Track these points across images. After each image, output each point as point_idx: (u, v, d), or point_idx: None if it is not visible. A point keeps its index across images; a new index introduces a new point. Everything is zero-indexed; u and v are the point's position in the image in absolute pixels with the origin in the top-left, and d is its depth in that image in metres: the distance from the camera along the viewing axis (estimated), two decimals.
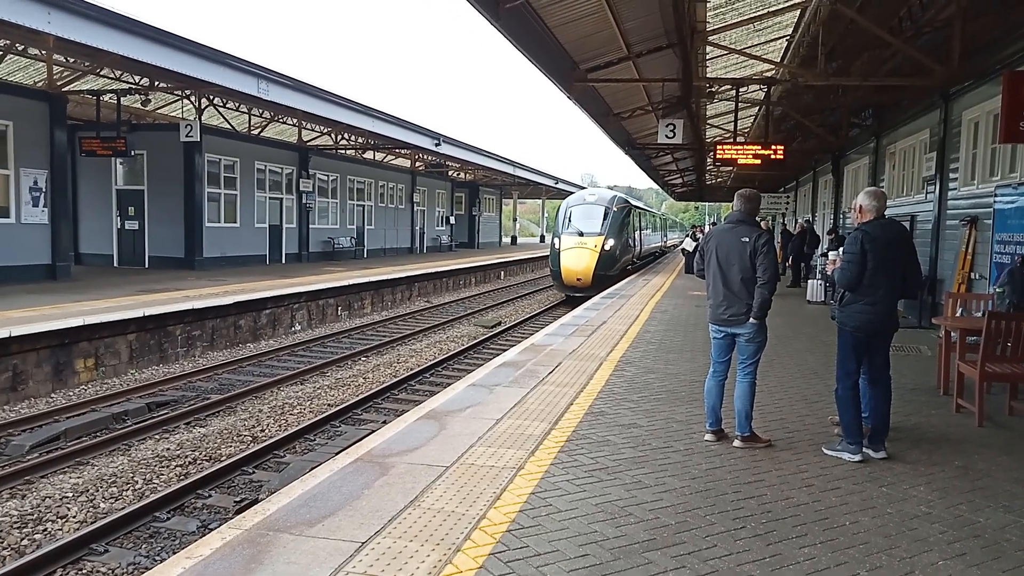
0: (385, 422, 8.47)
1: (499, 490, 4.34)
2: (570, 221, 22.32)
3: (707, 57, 15.99)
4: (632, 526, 3.88)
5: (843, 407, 5.21)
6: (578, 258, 21.03)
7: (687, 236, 31.72)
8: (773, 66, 15.19)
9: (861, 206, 5.22)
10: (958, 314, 7.74)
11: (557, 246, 21.72)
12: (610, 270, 21.69)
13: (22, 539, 5.68)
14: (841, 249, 5.41)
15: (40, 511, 6.17)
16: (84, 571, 5.20)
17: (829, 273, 5.42)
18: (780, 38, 15.17)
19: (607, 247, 21.42)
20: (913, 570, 3.46)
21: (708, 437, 5.51)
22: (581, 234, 21.50)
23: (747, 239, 5.32)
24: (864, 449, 5.15)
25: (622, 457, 5.05)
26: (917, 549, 3.69)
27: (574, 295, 20.80)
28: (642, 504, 4.19)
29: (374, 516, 3.91)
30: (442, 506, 4.08)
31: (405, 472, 4.63)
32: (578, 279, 20.91)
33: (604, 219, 22.02)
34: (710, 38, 13.49)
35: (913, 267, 5.24)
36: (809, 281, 17.19)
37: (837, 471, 4.89)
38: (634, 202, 29.56)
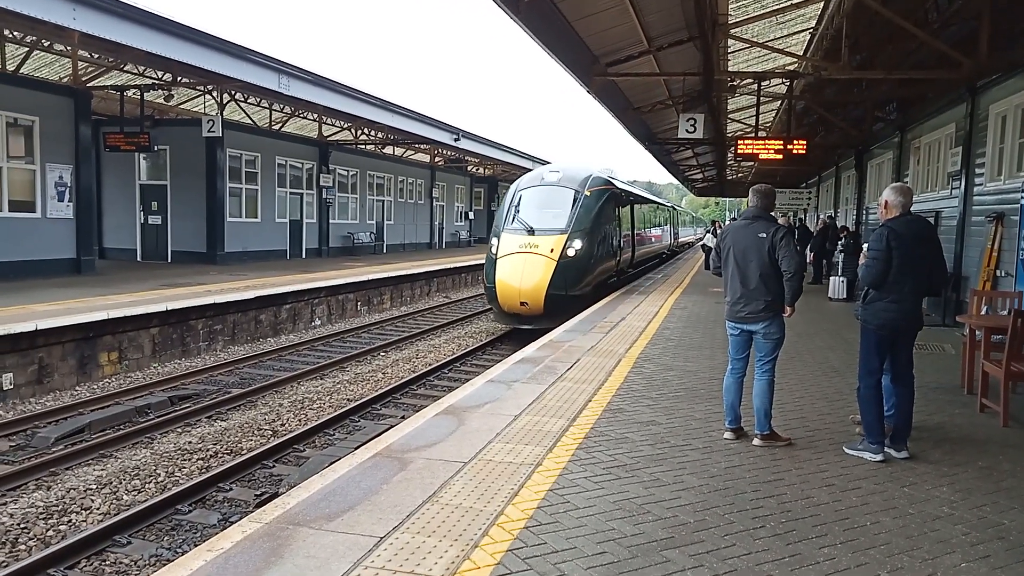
0: (404, 417, 8.51)
1: (517, 486, 4.34)
2: (518, 212, 14.88)
3: (729, 50, 15.87)
4: (650, 524, 3.87)
5: (865, 406, 5.15)
6: (523, 270, 13.73)
7: (708, 232, 31.32)
8: (796, 59, 15.03)
9: (887, 202, 5.14)
10: (983, 312, 7.62)
11: (494, 250, 14.45)
12: (576, 287, 14.12)
13: (47, 530, 5.77)
14: (867, 246, 5.32)
15: (65, 502, 6.26)
16: (108, 562, 5.28)
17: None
18: (803, 31, 15.00)
19: (573, 252, 14.08)
20: (935, 572, 3.42)
21: (727, 435, 5.47)
22: (532, 231, 14.23)
23: (764, 235, 5.28)
24: (886, 449, 5.09)
25: (640, 454, 5.04)
26: (940, 550, 3.64)
27: (519, 327, 14.03)
28: (660, 502, 4.18)
29: (392, 511, 3.93)
30: (460, 502, 4.09)
31: (423, 467, 4.65)
32: (522, 303, 13.64)
33: (572, 208, 14.75)
34: (732, 31, 13.39)
35: (939, 264, 5.17)
36: (831, 278, 17.02)
37: (858, 471, 4.84)
38: (622, 184, 20.47)
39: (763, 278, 5.28)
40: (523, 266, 13.72)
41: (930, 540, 3.76)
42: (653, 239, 27.84)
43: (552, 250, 13.86)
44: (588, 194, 15.10)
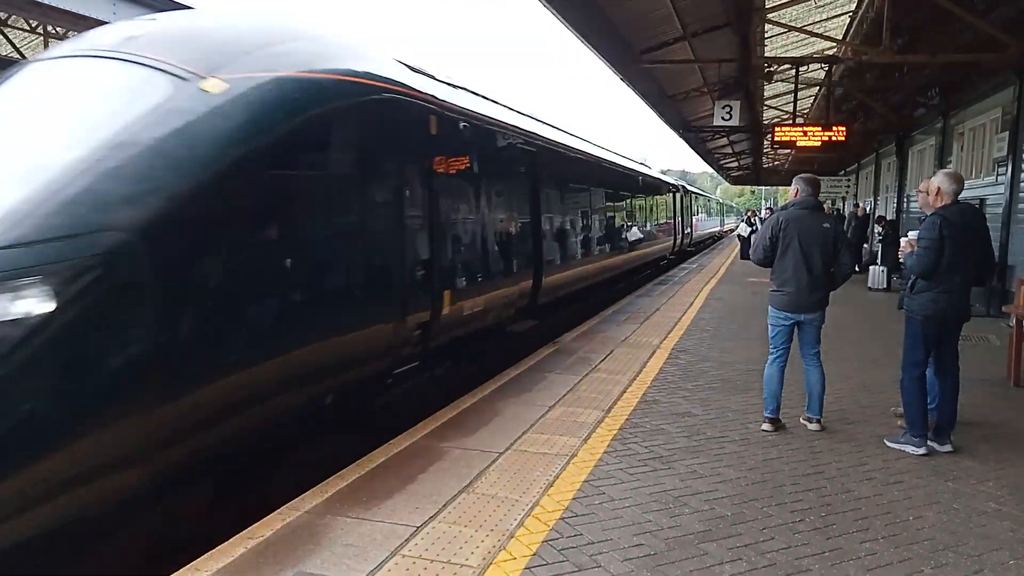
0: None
1: (552, 477, 4.34)
2: None
3: (766, 36, 15.57)
4: (687, 516, 3.84)
5: (909, 398, 5.05)
6: None
7: (742, 221, 30.52)
8: (835, 44, 14.70)
9: (940, 188, 4.97)
10: None
11: None
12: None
13: None
14: (911, 233, 5.19)
15: None
16: None
17: (902, 260, 5.22)
18: (842, 15, 14.67)
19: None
20: (982, 569, 3.34)
21: (766, 427, 5.41)
22: None
23: (828, 225, 5.38)
24: (929, 442, 4.99)
25: (676, 446, 5.00)
26: (986, 547, 3.56)
27: None
28: (697, 494, 4.15)
29: (429, 500, 3.96)
30: (496, 492, 4.10)
31: (459, 457, 4.67)
32: None
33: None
34: (769, 16, 13.13)
35: (988, 254, 5.08)
36: (871, 267, 16.69)
37: (900, 464, 4.75)
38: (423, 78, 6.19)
39: (825, 268, 5.35)
40: None
41: (976, 536, 3.68)
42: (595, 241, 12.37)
43: None
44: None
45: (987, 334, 9.88)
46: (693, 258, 26.99)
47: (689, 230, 28.51)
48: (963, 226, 4.87)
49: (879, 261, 16.53)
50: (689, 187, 30.95)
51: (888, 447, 5.05)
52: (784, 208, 5.59)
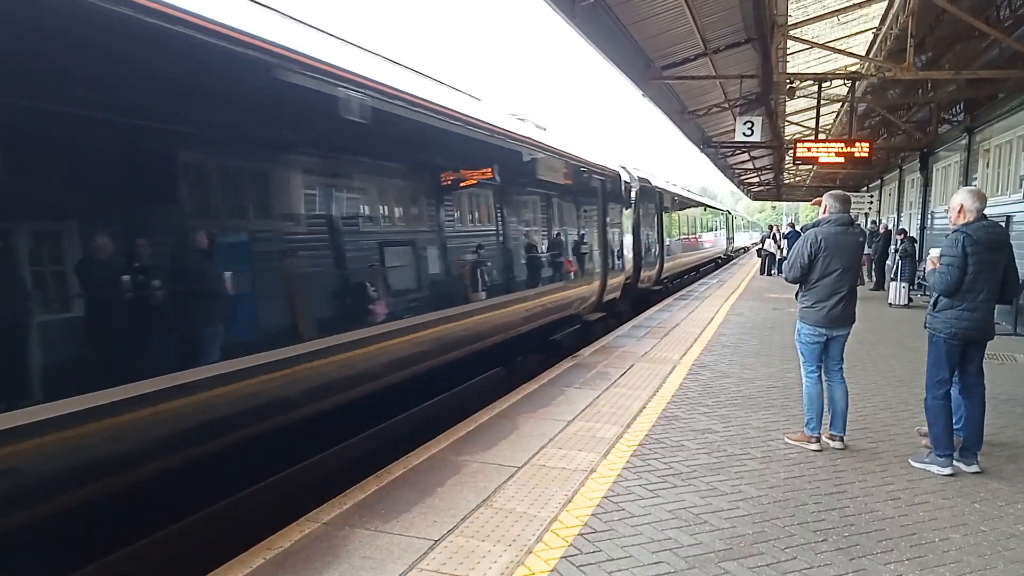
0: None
1: (571, 492, 4.32)
2: None
3: (788, 52, 15.55)
4: (707, 534, 3.80)
5: (933, 417, 4.96)
6: None
7: (766, 236, 30.13)
8: (858, 60, 14.63)
9: (963, 206, 4.91)
10: None
11: None
12: None
13: None
14: (934, 251, 5.14)
15: None
16: None
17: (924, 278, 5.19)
18: (866, 31, 14.62)
19: None
20: None
21: (836, 444, 5.40)
22: None
23: (861, 240, 5.57)
24: (955, 462, 4.90)
25: (697, 463, 4.95)
26: (1016, 571, 3.48)
27: None
28: (718, 512, 4.10)
29: (447, 514, 3.95)
30: (514, 507, 4.08)
31: (477, 471, 4.66)
32: None
33: None
34: (791, 32, 13.10)
35: (1012, 272, 4.98)
36: (891, 284, 16.50)
37: (925, 484, 4.67)
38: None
39: (855, 283, 5.45)
40: None
41: (1004, 560, 3.60)
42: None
43: None
44: None
45: (1014, 353, 9.71)
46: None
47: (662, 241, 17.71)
48: (987, 243, 4.81)
49: (899, 276, 16.30)
50: (685, 196, 23.88)
51: (912, 467, 4.97)
52: (816, 224, 5.51)
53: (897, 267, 16.41)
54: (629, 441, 5.38)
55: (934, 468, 4.87)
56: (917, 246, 17.99)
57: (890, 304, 15.49)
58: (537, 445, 5.23)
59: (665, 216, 18.16)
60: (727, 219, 41.63)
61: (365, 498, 4.17)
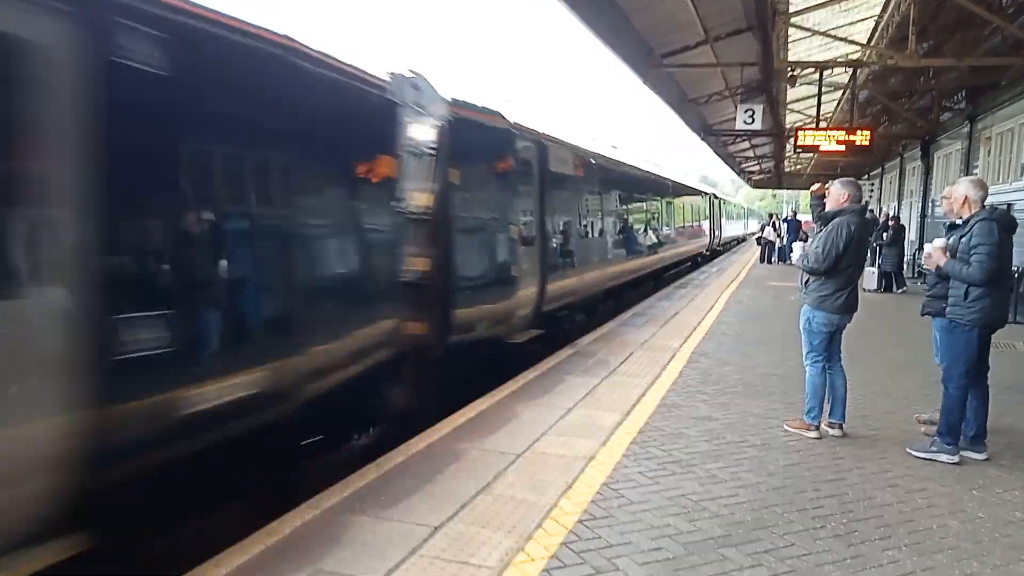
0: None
1: (571, 479, 4.33)
2: None
3: (789, 40, 15.48)
4: (706, 521, 3.81)
5: (953, 406, 4.89)
6: None
7: (766, 224, 29.86)
8: (859, 48, 14.57)
9: (967, 196, 4.85)
10: None
11: None
12: None
13: None
14: (938, 240, 5.11)
15: None
16: None
17: (931, 268, 5.16)
18: (867, 18, 14.55)
19: None
20: None
21: (836, 432, 5.40)
22: None
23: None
24: (964, 451, 4.90)
25: (696, 450, 4.96)
26: (1013, 557, 3.50)
27: None
28: (717, 499, 4.11)
29: (446, 501, 3.96)
30: (513, 493, 4.10)
31: (477, 459, 4.67)
32: None
33: None
34: (792, 19, 13.05)
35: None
36: (866, 269, 16.34)
37: (924, 471, 4.68)
38: None
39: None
40: None
41: (1002, 546, 3.62)
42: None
43: None
44: None
45: (1014, 341, 9.72)
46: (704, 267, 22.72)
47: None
48: (1005, 230, 4.81)
49: (879, 262, 16.07)
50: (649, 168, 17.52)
51: (915, 456, 4.93)
52: (838, 214, 5.40)
53: (874, 253, 16.21)
54: (628, 429, 5.40)
55: (943, 457, 4.83)
56: (906, 234, 17.83)
57: (864, 289, 15.45)
58: (537, 432, 5.24)
59: (558, 196, 9.77)
60: (710, 204, 29.31)
61: (365, 485, 4.18)
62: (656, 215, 17.63)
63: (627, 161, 14.85)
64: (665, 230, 18.49)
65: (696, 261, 25.19)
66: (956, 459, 4.83)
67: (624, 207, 13.96)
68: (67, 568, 2.93)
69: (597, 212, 11.82)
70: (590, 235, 11.34)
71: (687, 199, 23.21)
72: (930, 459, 4.87)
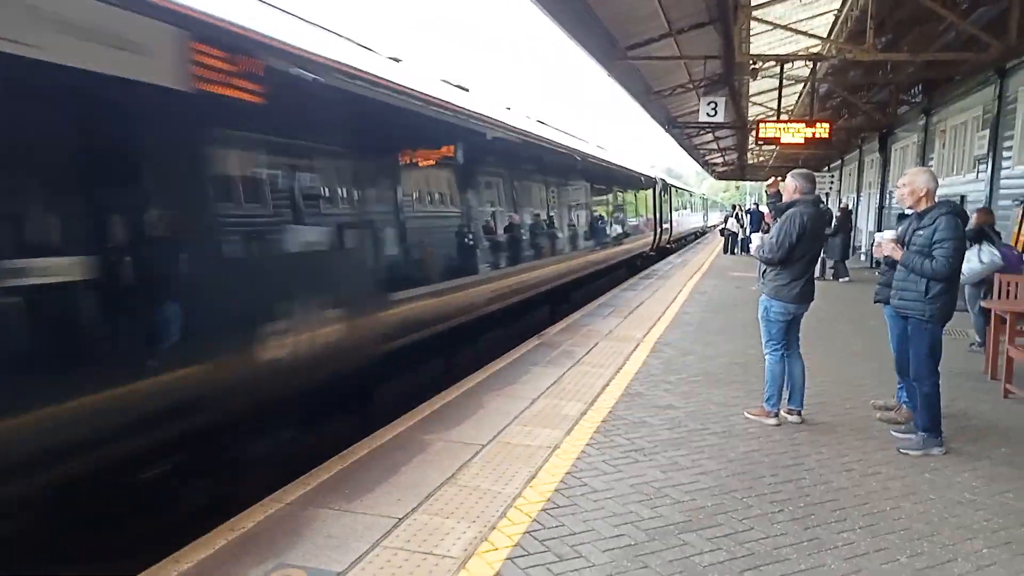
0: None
1: (535, 469, 4.36)
2: None
3: (751, 33, 15.65)
4: (668, 507, 3.87)
5: (931, 402, 4.93)
6: None
7: (729, 216, 30.28)
8: (819, 41, 14.80)
9: (928, 190, 4.84)
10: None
11: None
12: None
13: None
14: (885, 232, 5.22)
15: None
16: None
17: (880, 256, 5.26)
18: (827, 12, 14.77)
19: None
20: (956, 557, 3.39)
21: (795, 419, 5.50)
22: None
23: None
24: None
25: (658, 439, 5.03)
26: (960, 536, 3.61)
27: None
28: (678, 486, 4.18)
29: (411, 492, 3.96)
30: (478, 484, 4.12)
31: (442, 450, 4.68)
32: None
33: None
34: (754, 13, 13.19)
35: None
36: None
37: (878, 456, 4.81)
38: None
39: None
40: None
41: (951, 526, 3.73)
42: None
43: None
44: None
45: (966, 328, 9.99)
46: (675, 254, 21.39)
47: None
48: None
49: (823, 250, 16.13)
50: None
51: (909, 455, 4.86)
52: (791, 205, 5.47)
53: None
54: (593, 418, 5.45)
55: (935, 451, 4.87)
56: (854, 221, 17.97)
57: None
58: (502, 423, 5.26)
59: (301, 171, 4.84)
60: (656, 195, 23.03)
61: (329, 478, 4.17)
62: (552, 207, 11.52)
63: (472, 110, 8.28)
64: (567, 230, 12.24)
65: (635, 265, 19.96)
66: (944, 450, 4.88)
67: (469, 192, 8.10)
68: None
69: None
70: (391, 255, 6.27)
71: (616, 184, 17.26)
72: (923, 454, 4.83)
